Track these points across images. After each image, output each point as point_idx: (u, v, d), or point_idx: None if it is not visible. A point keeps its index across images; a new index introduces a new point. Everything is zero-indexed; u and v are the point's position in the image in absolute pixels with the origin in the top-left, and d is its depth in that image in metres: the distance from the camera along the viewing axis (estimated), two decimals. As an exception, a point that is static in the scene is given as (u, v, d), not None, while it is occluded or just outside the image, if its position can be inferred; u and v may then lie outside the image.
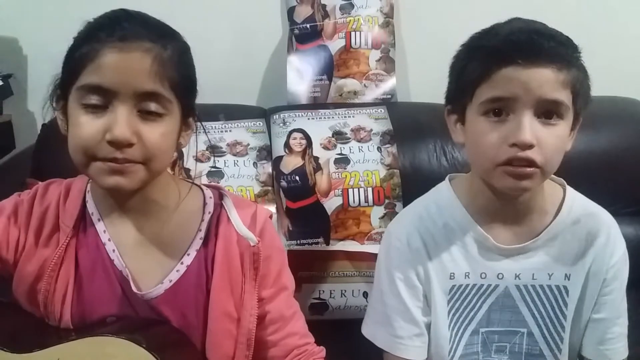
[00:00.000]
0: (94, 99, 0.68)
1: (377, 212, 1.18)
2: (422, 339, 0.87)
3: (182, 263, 0.77)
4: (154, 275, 0.77)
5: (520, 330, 0.87)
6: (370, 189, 1.18)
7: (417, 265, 0.86)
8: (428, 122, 1.28)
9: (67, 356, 0.70)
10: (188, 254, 0.77)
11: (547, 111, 0.76)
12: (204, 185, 0.85)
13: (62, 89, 0.73)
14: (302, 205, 1.17)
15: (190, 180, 0.85)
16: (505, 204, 0.84)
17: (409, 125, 1.27)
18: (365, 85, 1.35)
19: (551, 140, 0.76)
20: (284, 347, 0.81)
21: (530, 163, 0.75)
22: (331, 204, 1.18)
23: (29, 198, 0.78)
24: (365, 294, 1.16)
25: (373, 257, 1.12)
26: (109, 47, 0.68)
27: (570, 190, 0.89)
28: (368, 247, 1.15)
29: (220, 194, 0.83)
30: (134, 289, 0.75)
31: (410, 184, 1.18)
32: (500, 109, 0.77)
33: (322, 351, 0.84)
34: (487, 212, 0.86)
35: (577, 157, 1.05)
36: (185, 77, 0.74)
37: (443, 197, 0.89)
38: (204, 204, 0.81)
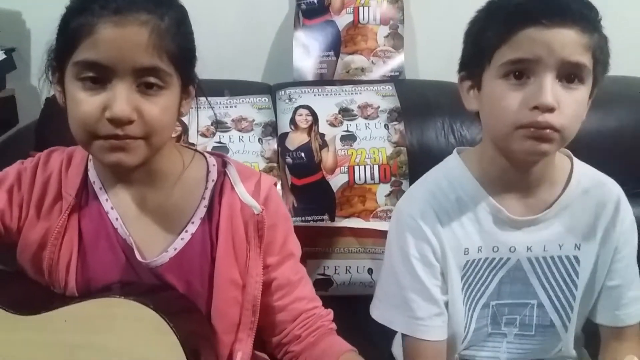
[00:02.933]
0: (91, 75, 0.67)
1: (383, 189, 1.17)
2: (443, 318, 0.85)
3: (186, 231, 0.77)
4: (158, 243, 0.76)
5: (530, 302, 0.87)
6: (376, 167, 1.17)
7: (433, 242, 0.84)
8: (436, 99, 1.27)
9: (74, 317, 0.71)
10: (192, 222, 0.77)
11: (569, 74, 0.75)
12: (207, 153, 0.84)
13: (58, 61, 0.71)
14: (307, 182, 1.16)
15: (193, 148, 0.84)
16: (517, 174, 0.83)
17: (416, 103, 1.26)
18: (372, 62, 1.33)
19: (572, 104, 0.75)
20: (292, 312, 0.81)
21: (551, 127, 0.74)
22: (337, 181, 1.16)
23: (32, 166, 0.78)
24: (370, 271, 1.15)
25: (379, 233, 1.12)
26: (104, 21, 0.65)
27: (577, 161, 0.88)
28: (374, 224, 1.14)
29: (223, 162, 0.82)
30: (138, 257, 0.75)
31: (417, 162, 1.16)
32: (521, 72, 0.75)
33: (329, 313, 0.84)
34: (500, 183, 0.84)
35: (589, 137, 1.03)
36: (184, 47, 0.72)
37: (453, 170, 0.88)
38: (207, 172, 0.80)
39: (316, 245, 1.13)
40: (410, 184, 1.15)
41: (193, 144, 1.10)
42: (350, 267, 1.15)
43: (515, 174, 0.83)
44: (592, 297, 0.89)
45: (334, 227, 1.14)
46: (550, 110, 0.73)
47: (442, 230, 0.84)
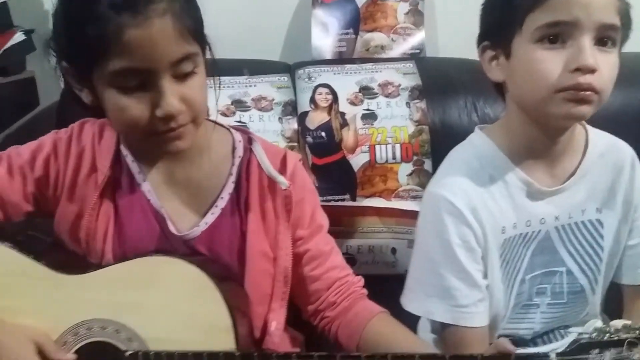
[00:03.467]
0: (131, 82, 0.67)
1: (405, 169, 1.16)
2: (485, 303, 0.83)
3: (216, 206, 0.78)
4: (189, 217, 0.78)
5: (559, 270, 0.87)
6: (398, 146, 1.16)
7: (474, 225, 0.82)
8: (458, 77, 1.25)
9: (119, 276, 0.73)
10: (222, 197, 0.78)
11: (603, 37, 0.75)
12: (233, 128, 0.85)
13: (76, 68, 0.71)
14: (328, 161, 1.15)
15: (219, 123, 0.85)
16: (545, 143, 0.83)
17: (438, 81, 1.24)
18: (392, 39, 1.31)
19: (608, 67, 0.75)
20: (326, 281, 0.83)
21: (592, 88, 0.74)
22: (358, 160, 1.15)
23: (67, 137, 0.79)
24: (394, 250, 1.15)
25: (402, 213, 1.12)
26: (126, 25, 0.63)
27: (589, 127, 0.89)
28: (396, 204, 1.14)
29: (249, 139, 0.83)
30: (171, 229, 0.76)
31: (440, 141, 1.15)
32: (556, 35, 0.75)
33: (360, 280, 0.86)
34: (528, 155, 0.84)
35: (614, 114, 1.03)
36: (198, 18, 0.72)
37: (481, 148, 0.86)
38: (233, 148, 0.81)
39: (339, 224, 1.12)
40: (433, 163, 1.15)
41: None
42: (373, 247, 1.14)
43: (543, 143, 0.83)
44: (617, 258, 0.90)
45: (357, 206, 1.14)
46: (592, 71, 0.73)
47: (480, 212, 0.82)
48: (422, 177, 1.16)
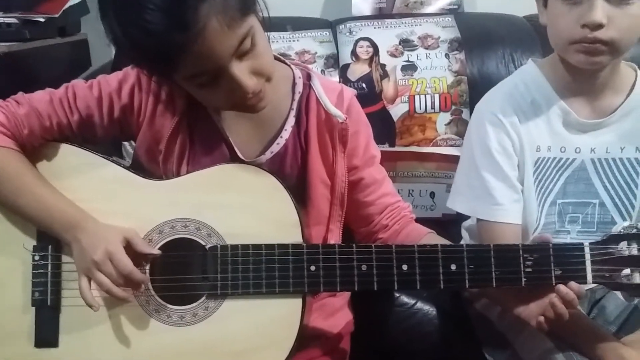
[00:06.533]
0: (201, 80, 0.70)
1: (443, 118, 1.20)
2: (520, 204, 0.92)
3: (281, 137, 0.84)
4: (254, 147, 0.84)
5: (593, 202, 0.93)
6: (437, 96, 1.19)
7: (512, 135, 0.91)
8: (496, 30, 1.27)
9: (200, 180, 0.79)
10: (285, 129, 0.84)
11: None
12: (293, 64, 0.89)
13: (150, 72, 0.75)
14: (368, 111, 1.16)
15: (282, 59, 0.89)
16: (583, 79, 0.90)
17: (477, 33, 1.26)
18: (431, -5, 1.34)
19: (625, 19, 0.81)
20: (379, 206, 0.89)
21: (599, 41, 0.82)
22: (397, 110, 1.19)
23: None
24: (433, 194, 1.19)
25: (443, 157, 1.16)
26: (180, 43, 0.64)
27: None
28: (437, 149, 1.17)
29: (308, 75, 0.87)
30: (240, 156, 0.82)
31: (478, 91, 1.17)
32: None
33: (409, 206, 0.92)
34: (570, 87, 0.91)
35: None
36: None
37: (529, 75, 0.95)
38: (294, 83, 0.86)
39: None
40: (471, 112, 1.18)
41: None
42: (412, 191, 1.19)
43: (580, 80, 0.90)
44: None
45: (397, 151, 1.18)
46: (599, 26, 0.81)
47: (519, 126, 0.91)
48: (460, 126, 1.20)
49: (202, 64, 0.68)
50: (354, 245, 0.75)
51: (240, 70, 0.70)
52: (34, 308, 0.78)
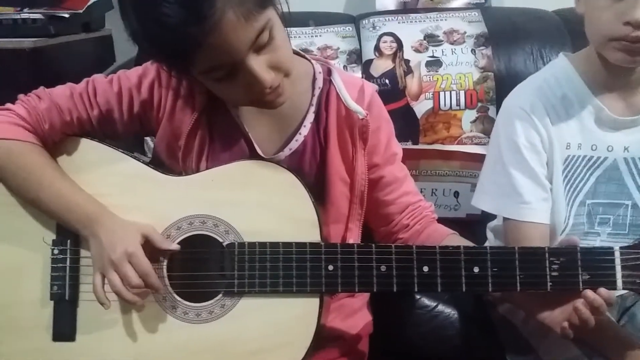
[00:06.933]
0: (219, 74, 0.70)
1: (469, 115, 1.17)
2: (548, 203, 0.89)
3: (300, 133, 0.82)
4: (273, 143, 0.83)
5: (625, 203, 0.90)
6: (462, 92, 1.16)
7: (541, 131, 0.88)
8: (524, 25, 1.24)
9: (218, 177, 0.79)
10: (304, 126, 0.82)
11: None
12: (313, 59, 0.87)
13: (168, 67, 0.75)
14: (391, 108, 1.16)
15: (302, 54, 0.87)
16: (617, 76, 0.86)
17: (504, 29, 1.23)
18: (457, -11, 1.31)
19: None
20: (400, 205, 0.87)
21: None
22: (421, 107, 1.17)
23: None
24: (456, 194, 1.16)
25: (468, 156, 1.13)
26: (197, 37, 0.64)
27: None
28: (462, 147, 1.15)
29: (328, 70, 0.85)
30: (259, 152, 0.81)
31: (505, 88, 1.13)
32: None
33: (431, 205, 0.89)
34: (603, 83, 0.88)
35: None
36: None
37: (560, 70, 0.91)
38: (314, 79, 0.84)
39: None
40: (497, 109, 1.15)
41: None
42: (436, 190, 1.17)
43: (615, 76, 0.86)
44: None
45: (421, 149, 1.16)
46: None
47: (549, 122, 0.88)
48: (487, 124, 1.17)
49: (218, 57, 0.67)
50: (373, 245, 0.73)
51: (258, 63, 0.68)
52: (52, 302, 0.78)
